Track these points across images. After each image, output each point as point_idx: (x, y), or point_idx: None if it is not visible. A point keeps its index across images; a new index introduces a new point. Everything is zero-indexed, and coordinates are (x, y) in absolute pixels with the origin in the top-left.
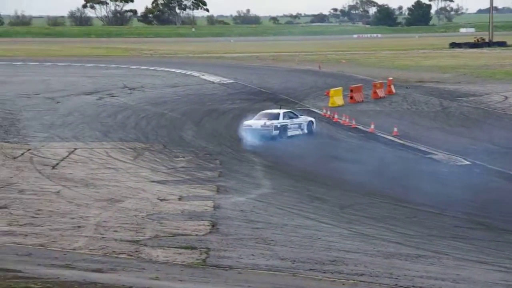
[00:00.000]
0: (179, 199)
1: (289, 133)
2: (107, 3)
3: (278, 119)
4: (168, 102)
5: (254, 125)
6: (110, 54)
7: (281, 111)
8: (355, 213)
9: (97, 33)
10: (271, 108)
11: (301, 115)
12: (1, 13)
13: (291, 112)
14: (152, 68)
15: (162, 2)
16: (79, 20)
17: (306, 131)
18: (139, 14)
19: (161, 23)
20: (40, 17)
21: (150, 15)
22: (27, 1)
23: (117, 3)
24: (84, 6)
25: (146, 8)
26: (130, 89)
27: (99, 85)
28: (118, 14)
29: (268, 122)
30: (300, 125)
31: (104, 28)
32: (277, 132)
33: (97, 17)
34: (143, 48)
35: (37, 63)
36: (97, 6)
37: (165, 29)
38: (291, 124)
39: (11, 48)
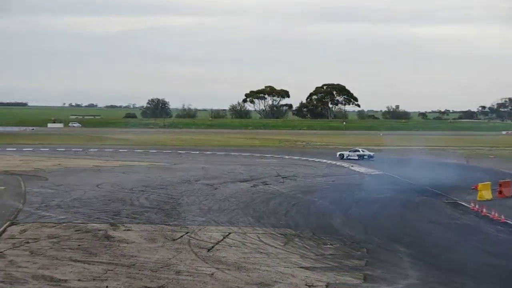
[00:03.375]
0: (327, 286)
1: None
2: (265, 98)
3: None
4: (318, 191)
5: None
6: (265, 145)
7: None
8: None
9: (255, 125)
10: None
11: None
12: (171, 106)
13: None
14: (304, 158)
15: (316, 97)
16: (239, 113)
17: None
18: (294, 108)
19: (314, 117)
20: (204, 110)
21: (305, 109)
22: (194, 97)
23: (275, 98)
24: (244, 101)
25: (301, 103)
26: (283, 177)
27: (254, 173)
28: (274, 108)
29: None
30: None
31: (261, 121)
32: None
33: (255, 110)
34: (297, 140)
35: (198, 152)
36: (256, 100)
37: (318, 122)
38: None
39: (177, 138)
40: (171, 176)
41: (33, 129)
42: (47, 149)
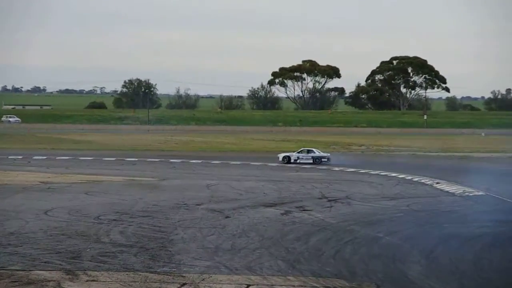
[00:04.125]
0: None
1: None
2: (303, 79)
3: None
4: (384, 221)
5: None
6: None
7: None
8: None
9: (287, 120)
10: None
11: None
12: (159, 92)
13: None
14: (363, 171)
15: (382, 77)
16: (262, 101)
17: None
18: (347, 94)
19: (378, 107)
20: (210, 97)
21: (363, 96)
22: (194, 77)
23: (317, 79)
24: (271, 83)
25: (358, 86)
26: (330, 200)
27: (286, 193)
28: (317, 94)
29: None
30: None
31: (296, 113)
32: None
33: (287, 97)
34: (352, 142)
35: (200, 161)
36: (288, 82)
37: (383, 116)
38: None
39: (168, 140)
40: (159, 198)
41: None
42: None
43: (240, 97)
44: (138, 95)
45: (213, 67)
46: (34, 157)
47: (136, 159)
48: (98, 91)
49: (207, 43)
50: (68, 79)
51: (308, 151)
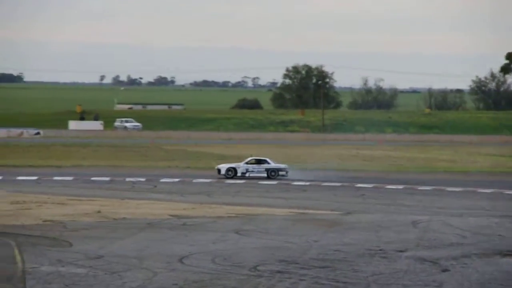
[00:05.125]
0: None
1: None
2: None
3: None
4: None
5: None
6: None
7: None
8: None
9: None
10: None
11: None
12: (336, 84)
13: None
14: None
15: None
16: (492, 98)
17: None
18: None
19: None
20: (413, 91)
21: None
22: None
23: None
24: (505, 70)
25: None
26: None
27: None
28: None
29: None
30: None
31: None
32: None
33: None
34: None
35: (402, 186)
36: None
37: None
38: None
39: (354, 154)
40: (342, 241)
41: (38, 132)
42: (70, 178)
43: (459, 91)
44: (307, 89)
45: (417, 47)
46: (161, 180)
47: (307, 183)
48: (250, 84)
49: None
50: (203, 65)
51: (259, 161)
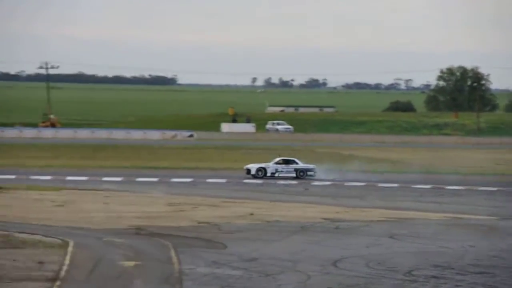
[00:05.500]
0: None
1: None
2: None
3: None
4: None
5: None
6: None
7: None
8: None
9: None
10: None
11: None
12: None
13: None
14: None
15: None
16: None
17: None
18: None
19: None
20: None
21: None
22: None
23: None
24: None
25: None
26: None
27: None
28: None
29: None
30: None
31: None
32: None
33: None
34: None
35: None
36: None
37: None
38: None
39: (510, 159)
40: (499, 247)
41: (191, 135)
42: (223, 180)
43: None
44: (462, 92)
45: None
46: (312, 183)
47: (463, 188)
48: (402, 86)
49: None
50: (353, 67)
51: (287, 161)
